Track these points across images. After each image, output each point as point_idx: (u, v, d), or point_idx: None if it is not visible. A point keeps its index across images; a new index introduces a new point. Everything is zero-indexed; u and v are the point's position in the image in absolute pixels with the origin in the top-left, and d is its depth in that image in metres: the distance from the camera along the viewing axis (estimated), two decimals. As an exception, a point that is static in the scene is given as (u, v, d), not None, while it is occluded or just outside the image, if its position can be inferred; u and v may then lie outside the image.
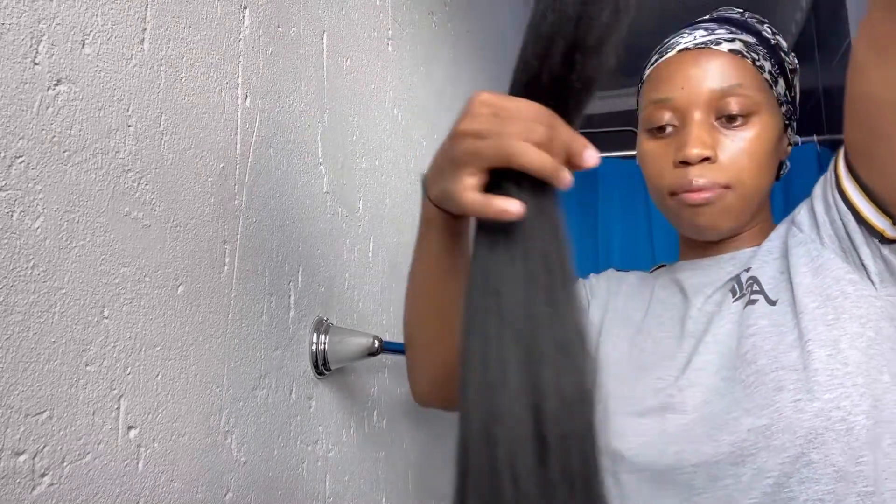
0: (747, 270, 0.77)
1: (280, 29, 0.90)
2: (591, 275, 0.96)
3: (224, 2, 0.78)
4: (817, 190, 0.75)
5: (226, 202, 0.77)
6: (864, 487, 0.64)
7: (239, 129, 0.80)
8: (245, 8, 0.82)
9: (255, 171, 0.82)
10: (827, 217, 0.72)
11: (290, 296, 0.89)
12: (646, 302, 0.86)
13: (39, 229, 0.53)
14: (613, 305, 0.88)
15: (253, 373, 0.80)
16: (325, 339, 0.95)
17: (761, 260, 0.77)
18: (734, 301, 0.76)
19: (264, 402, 0.82)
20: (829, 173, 0.72)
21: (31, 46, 0.53)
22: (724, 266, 0.80)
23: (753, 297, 0.74)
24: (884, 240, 0.68)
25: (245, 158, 0.81)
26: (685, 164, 0.75)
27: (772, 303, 0.73)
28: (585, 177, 2.24)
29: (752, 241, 0.81)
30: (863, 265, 0.69)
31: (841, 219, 0.70)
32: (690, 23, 0.85)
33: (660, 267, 0.93)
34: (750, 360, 0.70)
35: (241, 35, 0.81)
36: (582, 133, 0.55)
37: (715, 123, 0.76)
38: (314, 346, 0.94)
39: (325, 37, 1.03)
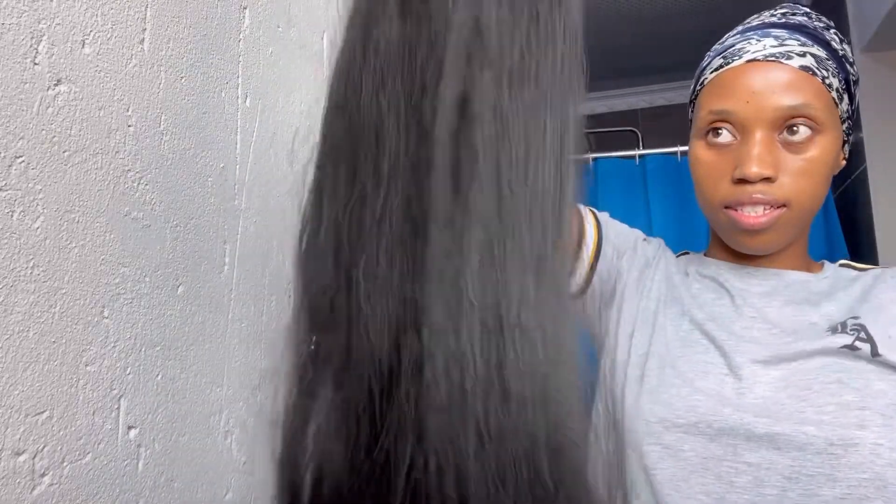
0: (855, 318, 0.74)
1: (280, 29, 0.90)
2: (641, 233, 0.94)
3: (224, 2, 0.78)
4: None
5: (226, 202, 0.77)
6: None
7: (239, 129, 0.80)
8: (245, 8, 0.82)
9: (255, 171, 0.82)
10: None
11: (290, 296, 0.89)
12: (686, 289, 0.84)
13: (39, 229, 0.53)
14: (671, 281, 0.86)
15: (253, 373, 0.80)
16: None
17: (846, 302, 0.76)
18: (829, 334, 0.73)
19: (264, 402, 0.82)
20: None
21: (31, 46, 0.53)
22: (770, 280, 0.80)
23: (857, 343, 0.71)
24: None
25: (245, 158, 0.81)
26: (744, 181, 0.74)
27: (875, 354, 0.70)
28: (585, 176, 2.25)
29: (790, 259, 0.81)
30: None
31: None
32: (758, 25, 0.80)
33: (684, 254, 0.92)
34: (837, 395, 0.68)
35: (241, 35, 0.81)
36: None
37: (777, 141, 0.74)
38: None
39: (325, 37, 1.03)
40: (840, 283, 0.80)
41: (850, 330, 0.72)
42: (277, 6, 0.89)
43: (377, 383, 0.40)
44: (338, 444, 0.41)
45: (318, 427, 0.42)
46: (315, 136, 0.48)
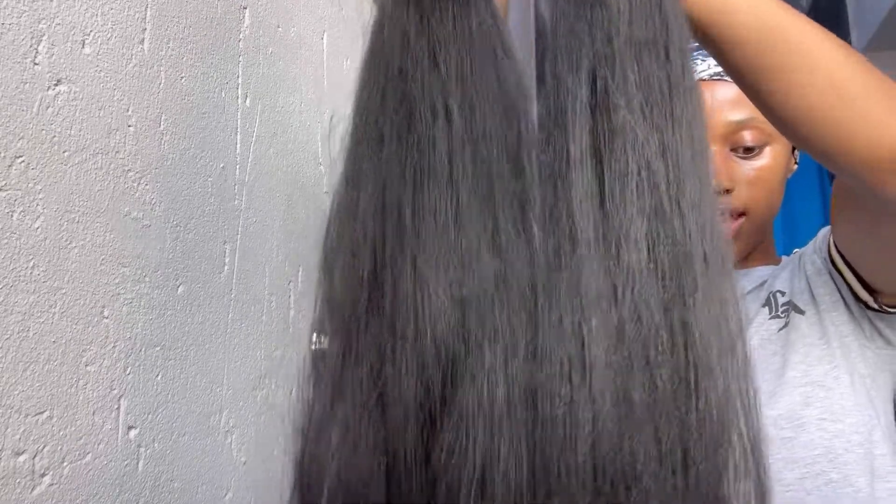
0: (783, 294, 0.78)
1: (280, 29, 0.90)
2: None
3: (224, 2, 0.78)
4: (820, 239, 0.77)
5: (226, 202, 0.77)
6: None
7: (239, 129, 0.80)
8: (245, 8, 0.82)
9: (255, 171, 0.82)
10: (825, 270, 0.75)
11: (290, 296, 0.89)
12: None
13: (39, 229, 0.53)
14: None
15: (253, 373, 0.80)
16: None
17: (787, 280, 0.79)
18: (769, 318, 0.77)
19: (264, 402, 0.82)
20: (828, 238, 0.75)
21: (31, 46, 0.53)
22: (739, 281, 0.82)
23: (789, 318, 0.76)
24: (868, 307, 0.71)
25: (245, 158, 0.81)
26: None
27: (801, 312, 0.75)
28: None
29: (758, 259, 0.84)
30: (856, 318, 0.72)
31: (834, 280, 0.73)
32: None
33: None
34: (781, 373, 0.71)
35: (241, 35, 0.81)
36: None
37: (730, 153, 0.78)
38: (314, 346, 0.94)
39: (325, 37, 1.03)
40: (786, 265, 0.84)
41: (782, 312, 0.77)
42: (277, 6, 0.89)
43: (430, 386, 0.37)
44: (367, 457, 0.38)
45: (344, 434, 0.39)
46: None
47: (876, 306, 0.69)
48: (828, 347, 0.71)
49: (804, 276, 0.77)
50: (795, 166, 0.86)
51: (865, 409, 0.68)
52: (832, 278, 0.73)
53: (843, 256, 0.71)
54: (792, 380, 0.70)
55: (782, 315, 0.76)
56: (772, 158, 0.78)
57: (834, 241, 0.72)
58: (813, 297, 0.75)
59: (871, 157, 0.50)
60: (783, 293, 0.78)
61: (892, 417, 0.72)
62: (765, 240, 0.84)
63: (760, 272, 0.82)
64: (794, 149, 0.84)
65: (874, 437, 0.68)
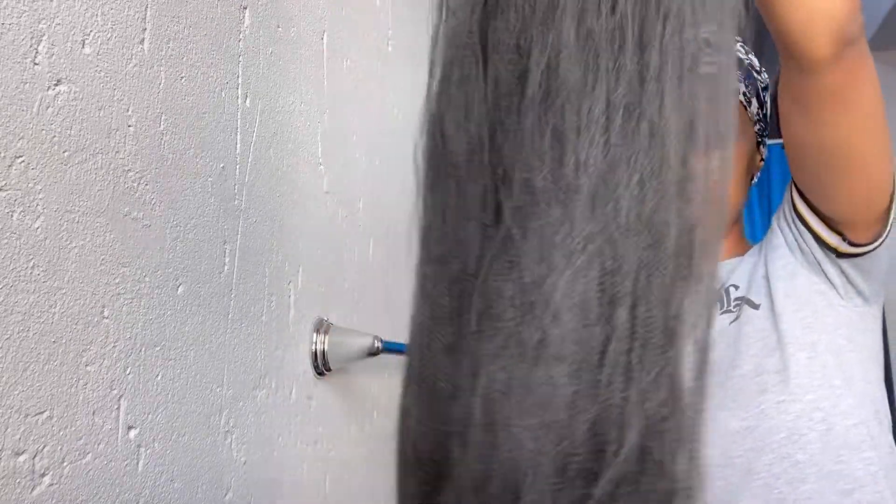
0: (736, 288, 0.79)
1: (280, 29, 0.90)
2: None
3: (224, 2, 0.78)
4: (780, 210, 0.79)
5: (226, 202, 0.77)
6: (845, 485, 0.67)
7: (239, 129, 0.80)
8: (245, 8, 0.82)
9: (255, 171, 0.82)
10: (791, 234, 0.75)
11: (290, 296, 0.89)
12: None
13: (39, 229, 0.53)
14: None
15: (253, 373, 0.80)
16: (325, 339, 0.95)
17: (745, 273, 0.79)
18: (721, 313, 0.78)
19: (264, 402, 0.82)
20: (787, 194, 0.76)
21: (31, 46, 0.53)
22: None
23: (741, 312, 0.76)
24: (839, 254, 0.71)
25: (245, 158, 0.81)
26: None
27: (755, 306, 0.75)
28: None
29: (724, 254, 0.83)
30: (827, 278, 0.73)
31: (801, 237, 0.74)
32: None
33: None
34: (736, 366, 0.72)
35: (241, 35, 0.81)
36: None
37: None
38: (314, 346, 0.94)
39: (325, 37, 1.03)
40: (752, 254, 0.84)
41: (734, 306, 0.77)
42: (277, 6, 0.89)
43: None
44: None
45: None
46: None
47: (846, 248, 0.70)
48: (779, 336, 0.72)
49: (763, 258, 0.77)
50: (762, 163, 0.86)
51: (831, 380, 0.69)
52: (800, 235, 0.73)
53: (804, 199, 0.71)
54: (746, 372, 0.71)
55: (734, 309, 0.77)
56: (733, 150, 0.79)
57: (793, 184, 0.72)
58: (768, 281, 0.75)
59: (809, 21, 0.55)
60: (737, 287, 0.78)
61: (873, 378, 0.73)
62: (732, 234, 0.85)
63: (725, 266, 0.82)
64: (759, 145, 0.85)
65: (842, 408, 0.68)
